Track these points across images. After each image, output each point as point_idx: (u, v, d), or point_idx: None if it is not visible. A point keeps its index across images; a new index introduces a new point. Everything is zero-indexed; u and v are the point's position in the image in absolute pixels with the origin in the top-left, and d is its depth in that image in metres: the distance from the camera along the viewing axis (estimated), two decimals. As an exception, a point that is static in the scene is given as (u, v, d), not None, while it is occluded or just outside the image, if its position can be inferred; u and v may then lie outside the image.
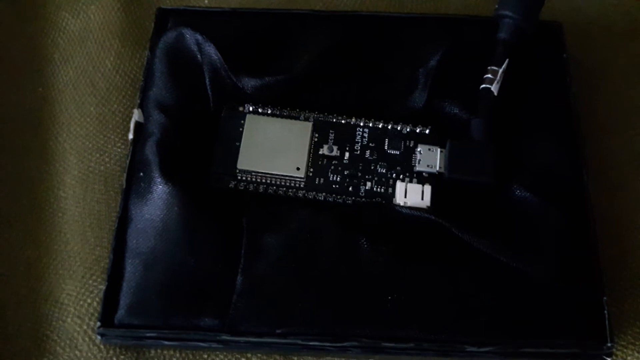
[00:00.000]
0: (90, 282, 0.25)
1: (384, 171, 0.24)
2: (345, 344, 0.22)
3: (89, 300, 0.25)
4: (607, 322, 0.22)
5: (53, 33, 0.30)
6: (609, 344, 0.22)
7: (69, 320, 0.25)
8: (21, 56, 0.30)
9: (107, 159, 0.27)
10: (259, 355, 0.24)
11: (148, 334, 0.22)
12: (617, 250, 0.25)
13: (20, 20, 0.31)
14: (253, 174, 0.24)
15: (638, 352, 0.24)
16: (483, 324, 0.22)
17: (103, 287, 0.24)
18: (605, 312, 0.22)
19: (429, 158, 0.24)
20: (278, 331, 0.22)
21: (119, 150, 0.27)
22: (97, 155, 0.27)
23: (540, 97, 0.26)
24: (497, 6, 0.26)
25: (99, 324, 0.23)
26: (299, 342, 0.22)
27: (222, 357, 0.24)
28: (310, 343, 0.22)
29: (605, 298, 0.23)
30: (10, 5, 0.31)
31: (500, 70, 0.25)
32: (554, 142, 0.25)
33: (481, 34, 0.27)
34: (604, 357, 0.22)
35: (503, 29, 0.26)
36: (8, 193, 0.27)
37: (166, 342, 0.23)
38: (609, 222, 0.25)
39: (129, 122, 0.27)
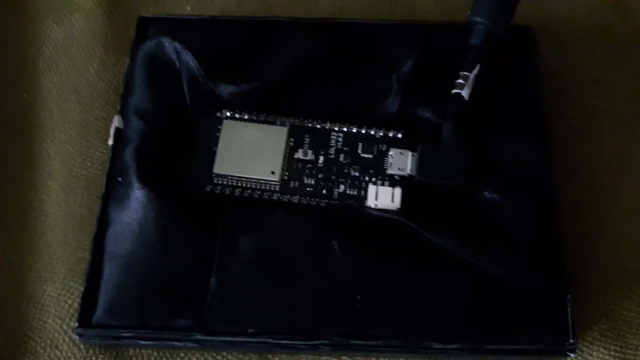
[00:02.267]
0: (72, 283, 0.26)
1: (357, 174, 0.25)
2: (315, 342, 0.22)
3: (69, 302, 0.25)
4: (570, 319, 0.23)
5: (38, 40, 0.31)
6: (572, 341, 0.23)
7: (50, 321, 0.25)
8: (6, 63, 0.30)
9: (89, 164, 0.28)
10: (234, 354, 0.24)
11: (125, 334, 0.23)
12: (584, 250, 0.26)
13: (5, 28, 0.31)
14: (229, 178, 0.25)
15: (604, 347, 0.24)
16: (450, 322, 0.22)
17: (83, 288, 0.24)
18: (569, 309, 0.23)
19: (400, 161, 0.25)
20: (250, 330, 0.22)
21: (102, 155, 0.28)
22: (80, 160, 0.28)
23: (511, 101, 0.26)
24: (469, 12, 0.27)
25: (77, 324, 0.23)
26: (271, 340, 0.22)
27: (198, 355, 0.24)
28: (282, 342, 0.22)
29: (569, 296, 0.23)
30: None
31: (472, 75, 0.26)
32: (524, 145, 0.25)
33: (454, 40, 0.27)
34: (568, 352, 0.23)
35: (475, 35, 0.26)
36: None
37: (142, 342, 0.23)
38: (577, 222, 0.26)
39: (111, 128, 0.28)
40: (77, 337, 0.24)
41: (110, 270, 0.24)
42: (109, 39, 0.31)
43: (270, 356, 0.24)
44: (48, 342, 0.25)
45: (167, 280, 0.23)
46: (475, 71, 0.26)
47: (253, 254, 0.23)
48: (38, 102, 0.29)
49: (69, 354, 0.24)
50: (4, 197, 0.27)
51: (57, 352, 0.25)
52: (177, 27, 0.28)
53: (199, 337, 0.22)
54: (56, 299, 0.25)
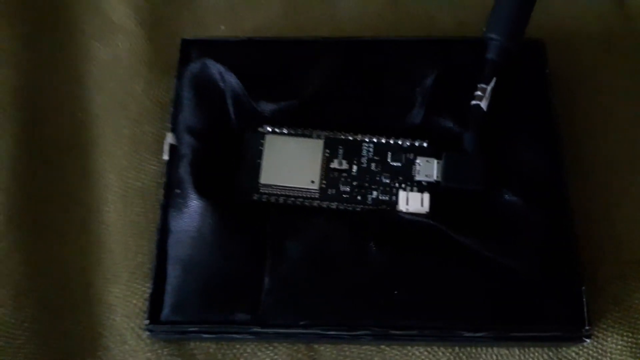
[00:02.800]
0: (135, 285, 0.28)
1: (387, 181, 0.27)
2: (358, 332, 0.25)
3: (134, 301, 0.28)
4: (585, 308, 0.25)
5: (86, 62, 0.33)
6: (587, 327, 0.25)
7: (117, 319, 0.27)
8: (59, 85, 0.32)
9: (143, 176, 0.30)
10: (284, 344, 0.27)
11: (190, 329, 0.25)
12: (596, 246, 0.28)
13: (56, 52, 0.33)
14: (274, 187, 0.27)
15: (617, 333, 0.27)
16: (477, 313, 0.25)
17: (147, 289, 0.26)
18: (584, 299, 0.25)
19: (427, 169, 0.27)
20: (301, 323, 0.25)
21: (154, 167, 0.30)
22: (134, 172, 0.30)
23: (525, 110, 0.28)
24: (484, 29, 0.29)
25: (147, 321, 0.26)
26: (319, 332, 0.25)
27: (252, 346, 0.27)
28: (329, 332, 0.25)
29: (583, 287, 0.25)
30: (47, 40, 0.33)
31: (489, 88, 0.28)
32: (538, 150, 0.27)
33: (472, 54, 0.29)
34: (584, 338, 0.25)
35: (490, 50, 0.28)
36: (59, 209, 0.30)
37: (205, 336, 0.26)
38: (589, 221, 0.28)
39: (160, 142, 0.30)
40: (148, 332, 0.26)
41: (173, 273, 0.26)
42: (152, 58, 0.32)
43: (316, 346, 0.27)
44: (118, 337, 0.27)
45: (225, 280, 0.25)
46: (492, 84, 0.28)
47: (299, 255, 0.26)
48: (90, 119, 0.31)
49: (137, 348, 0.27)
50: (67, 209, 0.30)
51: (127, 347, 0.27)
52: (216, 47, 0.30)
53: (256, 329, 0.25)
54: (122, 299, 0.28)
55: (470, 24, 0.32)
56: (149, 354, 0.27)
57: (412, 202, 0.26)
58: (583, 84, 0.31)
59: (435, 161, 0.27)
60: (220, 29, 0.33)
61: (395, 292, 0.25)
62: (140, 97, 0.32)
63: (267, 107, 0.28)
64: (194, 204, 0.26)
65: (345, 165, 0.27)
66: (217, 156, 0.28)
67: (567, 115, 0.30)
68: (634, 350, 0.26)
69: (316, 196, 0.27)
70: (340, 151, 0.28)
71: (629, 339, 0.27)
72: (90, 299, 0.28)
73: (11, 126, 0.31)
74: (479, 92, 0.28)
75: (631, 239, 0.28)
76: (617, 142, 0.30)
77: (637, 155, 0.30)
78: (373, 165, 0.28)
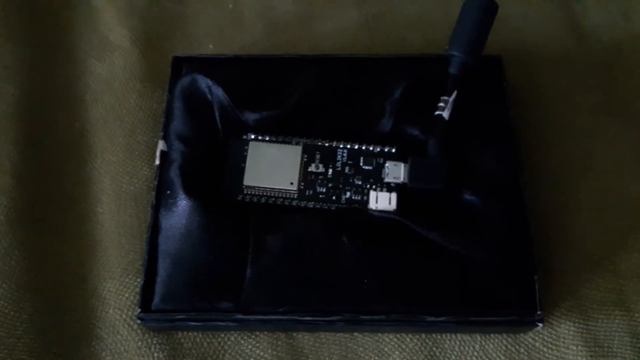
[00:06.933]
0: (127, 280, 0.30)
1: (360, 183, 0.30)
2: (332, 318, 0.27)
3: (126, 295, 0.30)
4: (537, 295, 0.27)
5: (84, 76, 0.35)
6: (539, 312, 0.27)
7: (110, 311, 0.29)
8: (58, 97, 0.34)
9: (135, 181, 0.32)
10: (265, 332, 0.29)
11: (178, 317, 0.27)
12: (551, 241, 0.30)
13: (56, 67, 0.35)
14: (256, 188, 0.29)
15: (570, 320, 0.29)
16: (439, 300, 0.27)
17: (139, 282, 0.28)
18: (536, 287, 0.28)
19: (395, 171, 0.29)
20: (280, 310, 0.27)
21: (146, 173, 0.32)
22: (127, 177, 0.32)
23: (485, 119, 0.31)
24: (447, 47, 0.32)
25: (139, 310, 0.28)
26: (297, 317, 0.27)
27: (236, 335, 0.29)
28: (306, 318, 0.27)
29: (536, 277, 0.28)
30: (49, 57, 0.36)
31: (451, 99, 0.30)
32: (496, 155, 0.30)
33: (436, 70, 0.32)
34: (536, 322, 0.28)
35: (452, 65, 0.31)
36: (57, 210, 0.32)
37: (192, 324, 0.28)
38: (545, 218, 0.31)
39: (153, 150, 0.32)
40: (139, 321, 0.28)
41: (163, 266, 0.28)
42: (145, 74, 0.35)
43: (294, 334, 0.29)
44: (110, 328, 0.29)
45: (210, 272, 0.27)
46: (453, 96, 0.30)
47: (279, 248, 0.28)
48: (87, 129, 0.34)
49: (129, 337, 0.29)
50: (65, 211, 0.32)
51: (119, 336, 0.29)
52: (205, 64, 0.33)
53: (239, 316, 0.27)
54: (115, 293, 0.30)
55: (438, 43, 0.35)
56: (139, 343, 0.29)
57: (381, 201, 0.29)
58: (539, 96, 0.34)
59: (403, 165, 0.30)
60: (209, 48, 0.36)
61: (365, 281, 0.27)
62: (134, 109, 0.34)
63: (250, 116, 0.31)
64: (183, 203, 0.29)
65: (321, 169, 0.30)
66: (204, 161, 0.30)
67: (523, 125, 0.33)
68: (584, 335, 0.29)
69: (295, 196, 0.30)
70: (317, 156, 0.30)
71: (580, 325, 0.29)
72: (85, 293, 0.30)
73: (13, 134, 0.33)
74: (441, 104, 0.30)
75: (582, 235, 0.31)
76: (569, 149, 0.33)
77: (586, 159, 0.32)
78: (347, 169, 0.30)
